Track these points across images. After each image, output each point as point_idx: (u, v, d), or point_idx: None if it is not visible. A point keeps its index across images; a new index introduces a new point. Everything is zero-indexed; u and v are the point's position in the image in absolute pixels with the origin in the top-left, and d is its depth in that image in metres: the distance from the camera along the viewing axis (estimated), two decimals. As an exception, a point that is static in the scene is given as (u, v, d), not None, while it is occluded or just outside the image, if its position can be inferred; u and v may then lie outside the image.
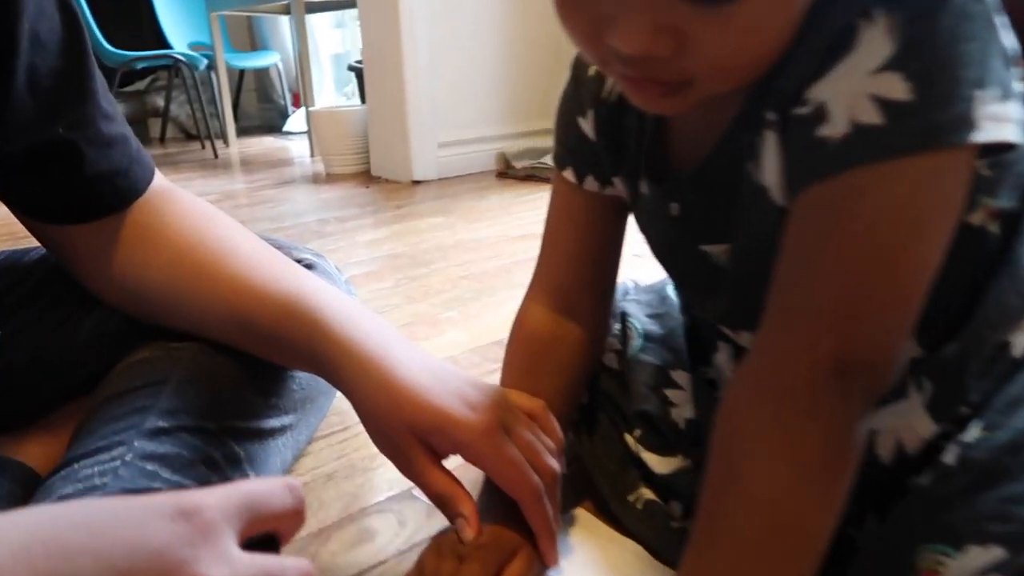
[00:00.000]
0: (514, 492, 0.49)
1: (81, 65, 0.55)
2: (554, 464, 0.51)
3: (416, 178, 2.35)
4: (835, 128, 0.37)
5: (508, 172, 2.42)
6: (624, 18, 0.36)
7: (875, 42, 0.35)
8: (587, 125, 0.56)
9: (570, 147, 0.58)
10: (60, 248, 0.62)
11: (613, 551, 0.56)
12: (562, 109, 0.59)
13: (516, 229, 1.66)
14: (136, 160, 0.60)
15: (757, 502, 0.38)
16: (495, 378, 0.90)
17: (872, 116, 0.35)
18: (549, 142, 2.81)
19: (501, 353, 0.98)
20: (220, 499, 0.30)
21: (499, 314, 1.13)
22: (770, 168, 0.42)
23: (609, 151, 0.55)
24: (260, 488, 0.33)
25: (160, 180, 0.63)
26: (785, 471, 0.37)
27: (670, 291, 0.69)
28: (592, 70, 0.55)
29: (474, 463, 0.50)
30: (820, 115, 0.37)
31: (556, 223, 0.61)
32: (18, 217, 0.60)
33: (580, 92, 0.56)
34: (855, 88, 0.36)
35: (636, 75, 0.39)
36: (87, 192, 0.58)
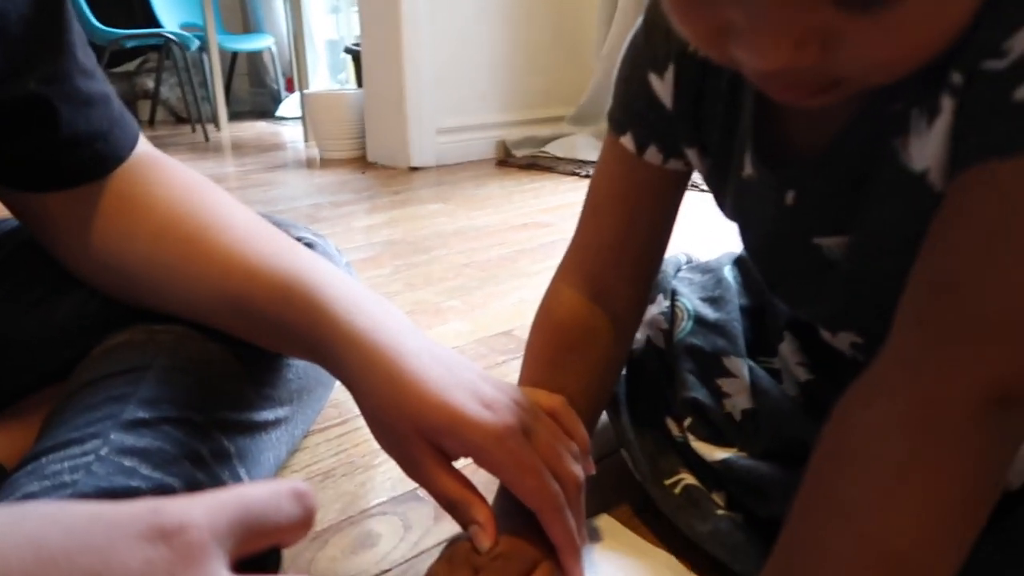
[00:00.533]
0: (532, 503, 0.44)
1: (57, 14, 0.50)
2: (578, 471, 0.46)
3: (414, 164, 2.30)
4: None
5: (508, 160, 2.36)
6: (757, 30, 0.29)
7: None
8: (661, 86, 0.48)
9: (633, 109, 0.50)
10: (35, 220, 0.56)
11: (643, 564, 0.51)
12: (627, 62, 0.51)
13: (518, 218, 1.60)
14: (118, 123, 0.55)
15: (874, 547, 0.31)
16: (503, 371, 0.85)
17: None
18: (550, 131, 2.77)
19: (509, 345, 0.94)
20: (209, 513, 0.24)
21: (505, 304, 1.08)
22: (933, 145, 0.35)
23: (686, 118, 0.48)
24: (260, 497, 0.26)
25: (145, 146, 0.58)
26: (919, 516, 0.31)
27: (727, 272, 0.63)
28: None
29: (488, 469, 0.45)
30: (1021, 72, 0.30)
31: (601, 196, 0.54)
32: (-12, 185, 0.54)
33: (656, 43, 0.48)
34: None
35: (773, 83, 0.33)
36: (63, 155, 0.52)
